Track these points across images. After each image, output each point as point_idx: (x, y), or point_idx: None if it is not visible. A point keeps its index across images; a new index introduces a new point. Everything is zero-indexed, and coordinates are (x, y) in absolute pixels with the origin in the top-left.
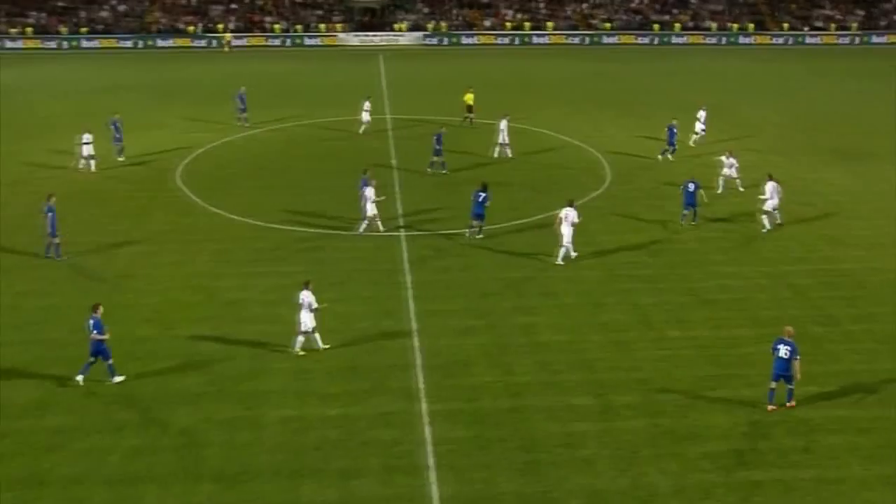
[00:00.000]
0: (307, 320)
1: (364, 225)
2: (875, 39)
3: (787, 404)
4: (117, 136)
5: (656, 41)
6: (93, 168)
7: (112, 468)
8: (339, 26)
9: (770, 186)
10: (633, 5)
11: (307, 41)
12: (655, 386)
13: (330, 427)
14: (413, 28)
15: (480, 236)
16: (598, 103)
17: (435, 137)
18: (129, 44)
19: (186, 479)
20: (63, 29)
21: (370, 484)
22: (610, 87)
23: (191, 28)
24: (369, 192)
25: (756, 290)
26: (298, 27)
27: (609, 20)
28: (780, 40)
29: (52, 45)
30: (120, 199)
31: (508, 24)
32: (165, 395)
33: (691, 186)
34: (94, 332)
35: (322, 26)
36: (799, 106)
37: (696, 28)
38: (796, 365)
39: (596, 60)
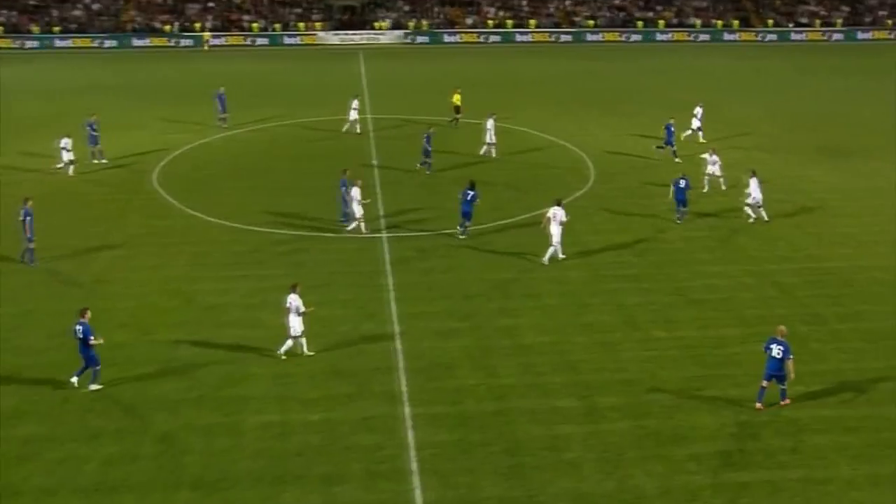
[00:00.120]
0: (296, 324)
1: (354, 224)
2: (860, 36)
3: (781, 403)
4: (93, 135)
5: (640, 38)
6: (70, 173)
7: (88, 477)
8: (318, 25)
9: (754, 182)
10: (616, 2)
11: (286, 40)
12: (641, 387)
13: (312, 432)
14: (393, 26)
15: (464, 236)
16: (582, 102)
17: (425, 138)
18: (104, 43)
19: (165, 488)
20: (35, 28)
21: (353, 490)
22: (594, 85)
23: (167, 27)
24: (355, 192)
25: (742, 289)
26: (277, 26)
27: (592, 17)
28: (766, 37)
29: (24, 44)
30: (95, 201)
31: (491, 22)
32: (143, 401)
33: (682, 183)
34: (90, 337)
35: (301, 25)
36: (784, 103)
37: (680, 25)
38: (790, 364)
39: (580, 58)
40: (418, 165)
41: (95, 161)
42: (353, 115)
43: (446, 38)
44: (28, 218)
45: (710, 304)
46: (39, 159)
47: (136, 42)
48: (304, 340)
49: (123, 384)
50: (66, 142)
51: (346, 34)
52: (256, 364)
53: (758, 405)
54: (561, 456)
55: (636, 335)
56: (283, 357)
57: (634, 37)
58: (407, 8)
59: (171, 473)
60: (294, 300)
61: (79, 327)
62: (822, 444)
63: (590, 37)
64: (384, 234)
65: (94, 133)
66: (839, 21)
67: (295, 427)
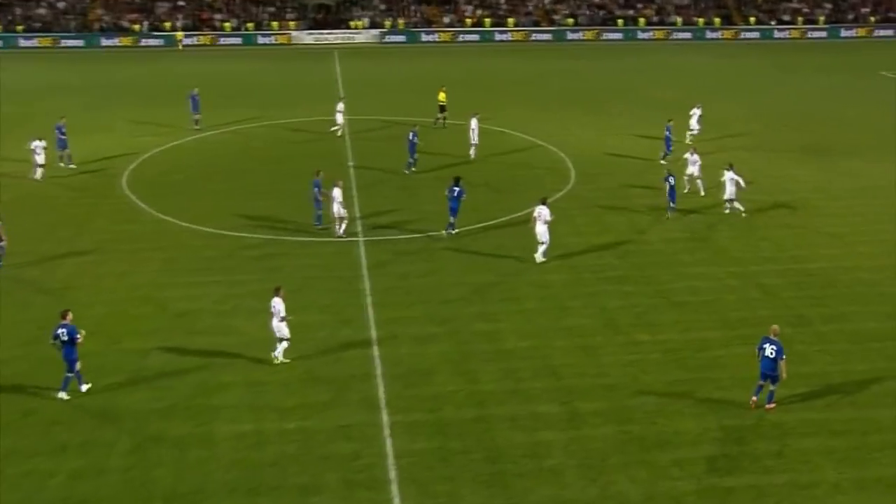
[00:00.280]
0: (281, 328)
1: (345, 226)
2: (843, 33)
3: (767, 406)
4: (61, 138)
5: (621, 37)
6: (38, 176)
7: (54, 492)
8: (292, 24)
9: (728, 175)
10: (595, 0)
11: (260, 39)
12: (623, 392)
13: (287, 441)
14: (369, 25)
15: (452, 231)
16: (562, 102)
17: (411, 133)
18: (70, 43)
19: (135, 502)
20: None
21: (330, 500)
22: (574, 84)
23: (136, 26)
24: (336, 192)
25: (725, 290)
26: (250, 25)
27: (572, 16)
28: (748, 35)
29: None
30: (62, 205)
31: (469, 21)
32: (112, 412)
33: (672, 180)
34: (76, 336)
35: (275, 24)
36: (768, 102)
37: (661, 23)
38: (782, 365)
39: (560, 57)
40: (406, 171)
41: (63, 165)
42: (340, 118)
43: (423, 38)
44: None
45: (692, 307)
46: (4, 163)
47: (105, 42)
48: (279, 346)
49: (91, 394)
50: (36, 144)
51: (321, 33)
52: (229, 372)
53: (753, 399)
54: (542, 463)
55: (618, 339)
56: (285, 361)
57: (615, 35)
58: (383, 6)
59: (142, 487)
60: (277, 303)
61: (62, 330)
62: (808, 448)
63: (570, 35)
64: (361, 238)
65: (63, 137)
66: (822, 18)
67: (270, 436)
